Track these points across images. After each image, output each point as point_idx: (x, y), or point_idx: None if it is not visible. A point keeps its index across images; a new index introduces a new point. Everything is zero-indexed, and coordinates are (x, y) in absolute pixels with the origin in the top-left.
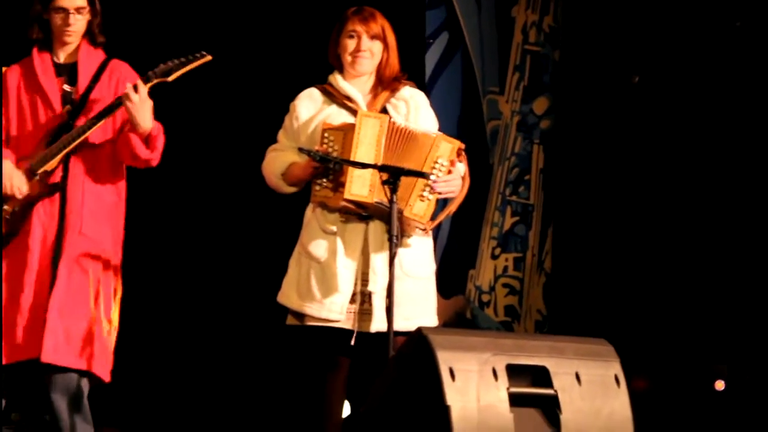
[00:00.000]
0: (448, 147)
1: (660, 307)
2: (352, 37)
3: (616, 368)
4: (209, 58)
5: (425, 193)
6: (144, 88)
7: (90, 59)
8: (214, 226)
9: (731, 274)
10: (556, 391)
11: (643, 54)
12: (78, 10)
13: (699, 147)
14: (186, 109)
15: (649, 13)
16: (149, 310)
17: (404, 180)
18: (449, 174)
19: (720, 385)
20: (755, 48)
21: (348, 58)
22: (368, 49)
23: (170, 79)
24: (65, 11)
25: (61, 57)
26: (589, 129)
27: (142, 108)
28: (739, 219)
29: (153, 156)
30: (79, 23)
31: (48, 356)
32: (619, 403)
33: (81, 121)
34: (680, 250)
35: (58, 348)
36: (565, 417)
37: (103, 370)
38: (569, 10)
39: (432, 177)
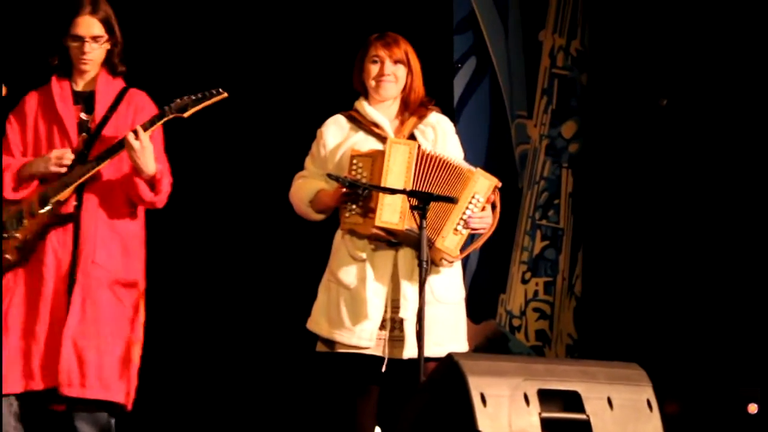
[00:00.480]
0: (485, 183)
1: (692, 331)
2: (375, 62)
3: (648, 392)
4: (226, 95)
5: (459, 228)
6: (144, 135)
7: (108, 88)
8: (242, 252)
9: (763, 296)
10: (588, 415)
11: (670, 77)
12: (95, 38)
13: (729, 170)
14: (214, 135)
15: (676, 36)
16: (179, 337)
17: (438, 210)
18: (483, 210)
19: (753, 408)
20: None
21: (372, 83)
22: (392, 73)
23: (186, 115)
24: (81, 39)
25: (80, 85)
26: (618, 152)
27: (143, 154)
28: None
29: (157, 199)
30: (96, 52)
31: (65, 388)
32: (651, 428)
33: (96, 151)
34: (712, 273)
35: (72, 379)
36: None
37: (126, 398)
38: (596, 34)
39: (468, 212)
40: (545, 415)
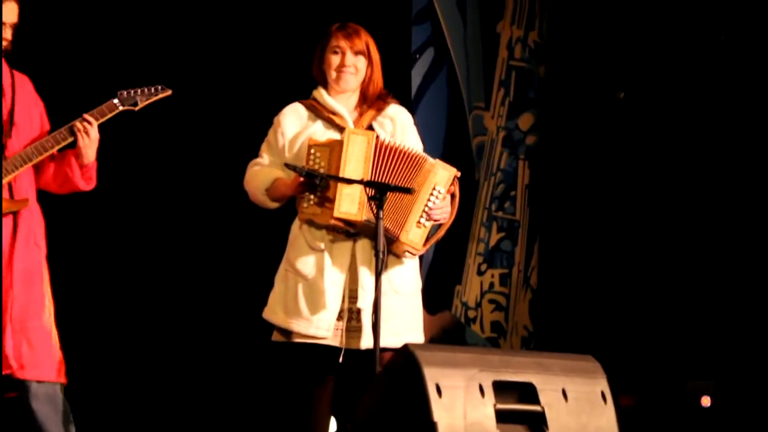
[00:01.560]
0: (445, 174)
1: (647, 324)
2: (336, 52)
3: (602, 385)
4: (170, 92)
5: (422, 220)
6: (95, 125)
7: (6, 72)
8: (198, 240)
9: (717, 290)
10: (542, 407)
11: (628, 69)
12: (12, 25)
13: (685, 162)
14: (170, 122)
15: (634, 28)
16: (135, 325)
17: (399, 203)
18: (443, 201)
19: (706, 401)
20: (740, 62)
21: (333, 74)
22: (353, 64)
23: (137, 108)
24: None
25: None
26: (575, 145)
27: (93, 144)
28: (725, 234)
29: (89, 187)
30: (10, 37)
31: (19, 372)
32: (605, 420)
33: (14, 135)
34: (667, 266)
35: (25, 362)
36: None
37: (65, 377)
38: (554, 26)
39: (429, 204)
40: (500, 406)
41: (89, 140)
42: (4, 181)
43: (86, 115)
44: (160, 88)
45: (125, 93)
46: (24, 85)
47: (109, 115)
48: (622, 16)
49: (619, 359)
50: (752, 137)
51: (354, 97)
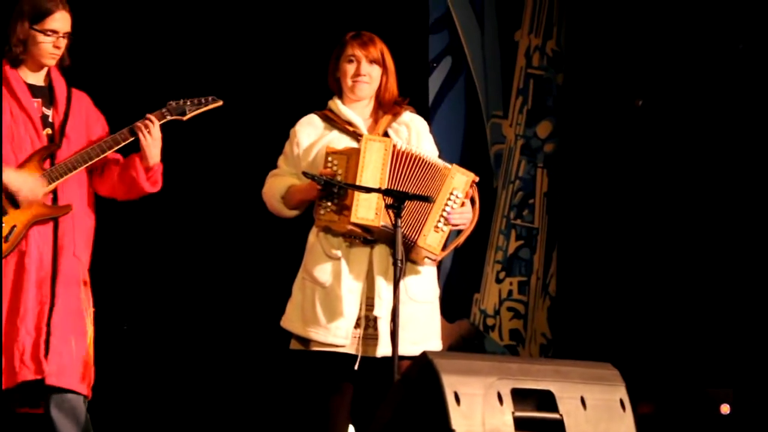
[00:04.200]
0: (462, 179)
1: (666, 331)
2: (351, 61)
3: (621, 392)
4: (221, 103)
5: (440, 225)
6: (158, 124)
7: (61, 85)
8: (217, 250)
9: (738, 297)
10: (561, 415)
11: (646, 77)
12: (67, 35)
13: (702, 169)
14: (190, 134)
15: (652, 36)
16: (155, 334)
17: (417, 208)
18: (462, 206)
19: (725, 408)
20: (758, 70)
21: (348, 83)
22: (368, 73)
23: (185, 118)
24: (56, 34)
25: (30, 78)
26: (593, 152)
27: (156, 143)
28: (745, 241)
29: (154, 189)
30: (63, 47)
31: (52, 378)
32: (624, 428)
33: (65, 147)
34: (686, 273)
35: (54, 370)
36: None
37: (89, 390)
38: (572, 34)
39: (447, 209)
40: (519, 414)
41: (152, 139)
42: (57, 182)
43: (149, 115)
44: (210, 99)
45: (174, 103)
46: (81, 101)
47: (160, 122)
48: (639, 24)
49: (637, 367)
50: None
51: (370, 106)
